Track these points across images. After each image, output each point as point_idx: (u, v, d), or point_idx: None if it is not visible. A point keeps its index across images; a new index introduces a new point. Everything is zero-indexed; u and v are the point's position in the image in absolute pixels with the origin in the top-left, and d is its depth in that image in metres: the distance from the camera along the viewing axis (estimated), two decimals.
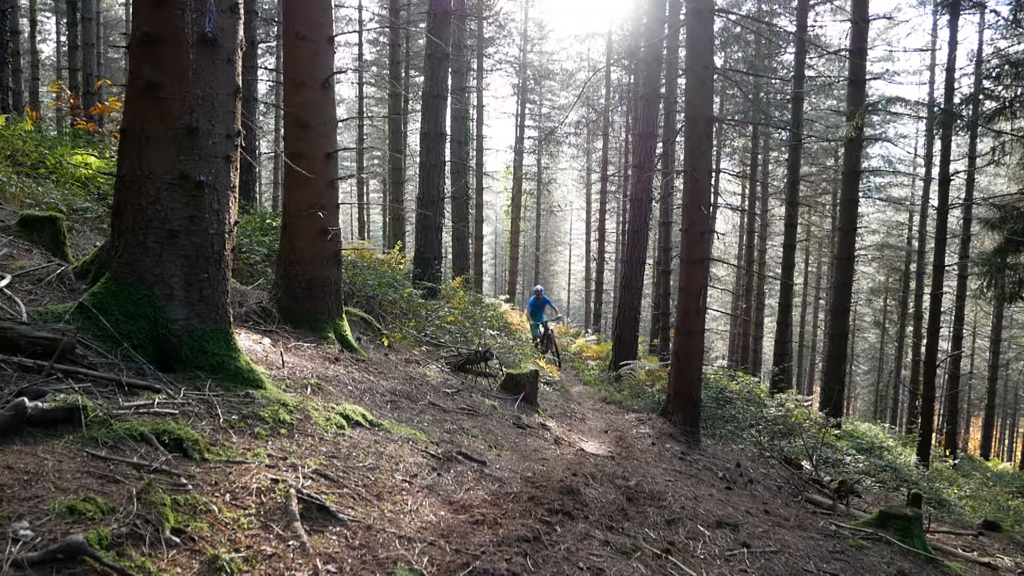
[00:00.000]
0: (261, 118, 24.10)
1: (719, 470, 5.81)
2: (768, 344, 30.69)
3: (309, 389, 3.71)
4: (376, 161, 34.10)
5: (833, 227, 25.30)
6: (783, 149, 24.39)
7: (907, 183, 28.29)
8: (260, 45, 19.59)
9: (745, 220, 26.27)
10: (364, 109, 27.88)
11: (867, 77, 13.77)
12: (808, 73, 18.57)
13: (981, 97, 11.24)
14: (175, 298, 2.94)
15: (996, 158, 12.02)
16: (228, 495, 2.06)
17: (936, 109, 13.01)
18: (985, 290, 11.52)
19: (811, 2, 16.37)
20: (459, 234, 17.38)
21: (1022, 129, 13.28)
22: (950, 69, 14.11)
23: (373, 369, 5.17)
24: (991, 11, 13.01)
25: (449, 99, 12.79)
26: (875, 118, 21.14)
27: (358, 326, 6.47)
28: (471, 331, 9.30)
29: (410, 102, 24.61)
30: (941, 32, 19.85)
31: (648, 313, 26.52)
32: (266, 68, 23.10)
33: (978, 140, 17.03)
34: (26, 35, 21.42)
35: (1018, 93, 10.57)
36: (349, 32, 24.09)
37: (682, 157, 8.14)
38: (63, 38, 27.21)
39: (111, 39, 29.26)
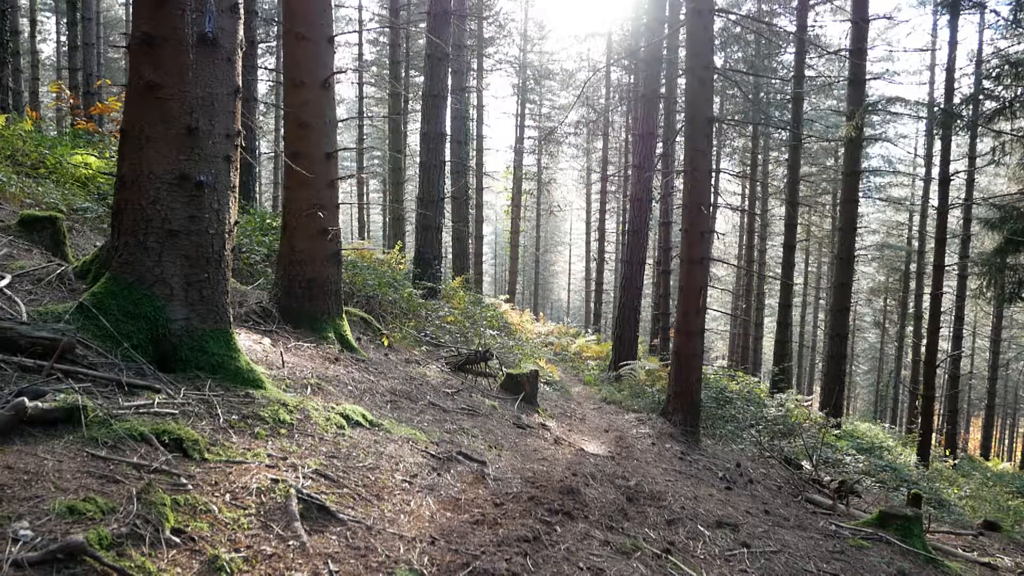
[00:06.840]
0: (261, 118, 24.10)
1: (719, 470, 5.81)
2: (768, 344, 30.68)
3: (309, 389, 3.71)
4: (376, 161, 34.10)
5: (833, 227, 25.30)
6: (783, 149, 24.38)
7: (907, 183, 28.29)
8: (260, 45, 19.60)
9: (745, 220, 26.26)
10: (364, 109, 27.88)
11: (867, 77, 13.76)
12: (808, 73, 18.56)
13: (981, 97, 11.24)
14: (175, 298, 2.94)
15: (996, 158, 12.03)
16: (228, 495, 2.06)
17: (936, 109, 13.02)
18: (985, 290, 11.53)
19: (811, 2, 16.37)
20: (459, 234, 17.38)
21: (1022, 129, 13.27)
22: (950, 69, 14.11)
23: (373, 369, 5.16)
24: (991, 11, 13.01)
25: (449, 99, 12.78)
26: (875, 118, 21.14)
27: (358, 326, 6.47)
28: (471, 331, 9.30)
29: (410, 102, 24.61)
30: (941, 32, 19.85)
31: (648, 313, 26.50)
32: (266, 68, 23.09)
33: (978, 140, 17.02)
34: (26, 35, 21.40)
35: (1018, 93, 10.57)
36: (349, 32, 24.15)
37: (682, 157, 8.14)
38: (63, 38, 27.19)
39: (111, 39, 29.25)
